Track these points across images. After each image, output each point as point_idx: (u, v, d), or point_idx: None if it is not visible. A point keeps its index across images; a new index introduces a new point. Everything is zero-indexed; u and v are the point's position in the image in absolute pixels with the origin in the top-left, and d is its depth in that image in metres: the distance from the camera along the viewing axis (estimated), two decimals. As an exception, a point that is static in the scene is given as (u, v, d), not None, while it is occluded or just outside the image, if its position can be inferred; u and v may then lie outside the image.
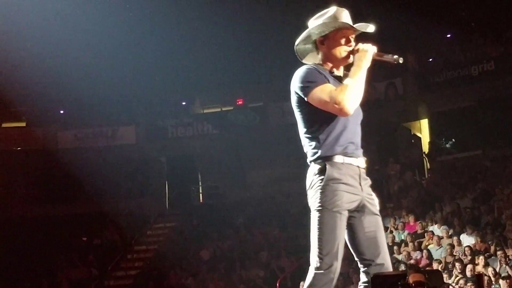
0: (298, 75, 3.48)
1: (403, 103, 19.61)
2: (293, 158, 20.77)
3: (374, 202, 3.54)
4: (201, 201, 23.02)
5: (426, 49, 20.81)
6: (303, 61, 3.68)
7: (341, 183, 3.39)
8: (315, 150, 3.45)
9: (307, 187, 3.48)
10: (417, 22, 18.49)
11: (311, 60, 3.65)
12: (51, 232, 19.21)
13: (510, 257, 11.15)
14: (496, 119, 18.73)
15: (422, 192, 17.20)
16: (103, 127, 21.40)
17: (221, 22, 19.83)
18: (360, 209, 3.47)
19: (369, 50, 3.47)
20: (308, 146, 3.51)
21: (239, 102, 22.78)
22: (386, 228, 15.51)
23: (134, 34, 19.39)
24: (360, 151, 3.54)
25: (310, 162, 3.49)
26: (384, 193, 18.42)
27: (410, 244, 13.20)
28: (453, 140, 21.53)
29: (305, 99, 3.42)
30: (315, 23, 3.54)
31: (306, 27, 3.59)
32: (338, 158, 3.41)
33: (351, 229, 3.47)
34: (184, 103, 23.60)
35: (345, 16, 3.52)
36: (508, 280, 9.99)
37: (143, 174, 21.74)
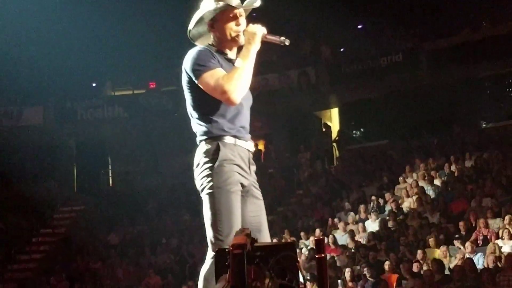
0: (190, 56, 3.42)
1: (314, 92, 19.93)
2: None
3: (258, 187, 3.54)
4: (110, 185, 22.63)
5: (338, 39, 21.21)
6: (196, 43, 3.63)
7: (234, 164, 3.35)
8: (206, 130, 3.39)
9: (194, 166, 3.42)
10: (330, 12, 18.79)
11: (205, 42, 3.59)
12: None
13: (410, 243, 11.64)
14: (403, 111, 19.39)
15: (330, 180, 17.63)
16: (8, 107, 20.52)
17: (134, 4, 19.44)
18: (246, 193, 3.45)
19: (257, 32, 3.40)
20: (198, 126, 3.45)
21: (152, 86, 22.44)
22: (295, 215, 15.82)
23: (44, 13, 18.69)
24: (249, 135, 3.52)
25: (200, 141, 3.44)
26: (294, 180, 18.76)
27: (317, 230, 13.49)
28: (361, 129, 22.16)
29: (196, 82, 3.37)
30: (204, 6, 3.48)
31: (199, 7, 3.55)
32: (229, 139, 3.38)
33: None
34: (94, 85, 23.02)
35: None
36: (406, 264, 10.42)
37: (50, 156, 21.10)
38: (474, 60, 17.82)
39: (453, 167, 14.71)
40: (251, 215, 3.45)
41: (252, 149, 3.51)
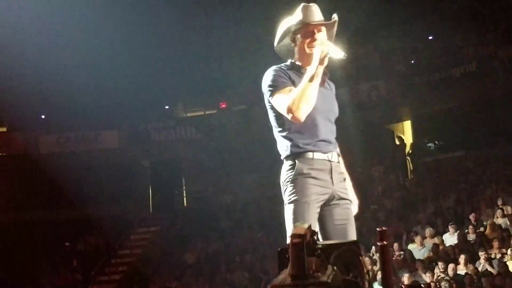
0: (264, 76, 3.55)
1: (386, 105, 19.66)
2: (278, 162, 20.75)
3: (347, 196, 3.57)
4: (185, 205, 22.91)
5: (409, 51, 20.91)
6: (283, 57, 3.73)
7: (310, 177, 3.44)
8: (286, 148, 3.52)
9: (281, 184, 3.57)
10: (400, 24, 18.56)
11: (290, 57, 3.68)
12: (33, 239, 19.02)
13: (491, 256, 11.20)
14: (478, 120, 18.83)
15: (405, 193, 17.24)
16: (85, 132, 21.22)
17: (204, 26, 19.80)
18: (330, 202, 3.50)
19: (324, 50, 3.44)
20: (280, 144, 3.59)
21: (223, 106, 22.68)
22: (369, 230, 15.51)
23: (116, 39, 19.28)
24: (332, 146, 3.58)
25: (283, 159, 3.57)
26: (368, 194, 18.45)
27: (395, 245, 13.17)
28: (436, 141, 21.61)
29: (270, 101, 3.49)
30: (287, 22, 3.58)
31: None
32: (308, 154, 3.47)
33: (321, 221, 3.49)
34: (167, 107, 23.50)
35: (311, 12, 3.53)
36: (489, 278, 10.02)
37: (126, 178, 21.58)
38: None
39: (534, 176, 14.13)
40: (336, 223, 3.50)
41: (335, 159, 3.56)
